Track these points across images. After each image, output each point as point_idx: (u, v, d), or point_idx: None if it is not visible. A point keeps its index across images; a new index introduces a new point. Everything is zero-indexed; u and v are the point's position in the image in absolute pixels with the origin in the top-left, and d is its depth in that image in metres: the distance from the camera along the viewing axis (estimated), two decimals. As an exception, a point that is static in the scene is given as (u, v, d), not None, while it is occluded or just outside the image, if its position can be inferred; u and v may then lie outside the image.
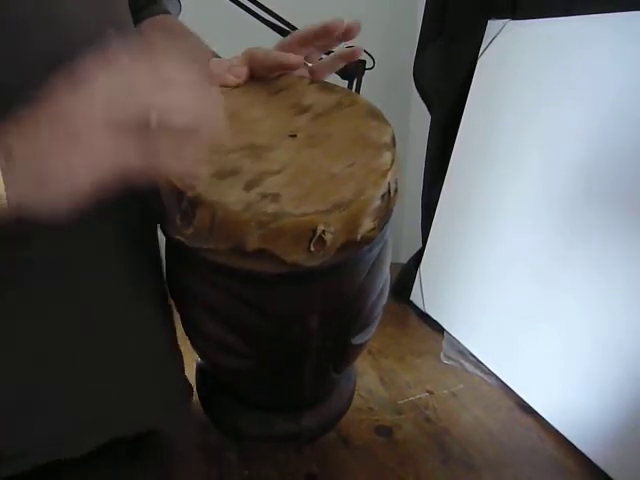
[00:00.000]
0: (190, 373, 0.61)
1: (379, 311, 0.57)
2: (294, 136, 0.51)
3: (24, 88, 0.38)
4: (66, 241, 0.49)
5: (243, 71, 0.57)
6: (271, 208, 0.44)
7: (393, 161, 0.49)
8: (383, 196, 0.48)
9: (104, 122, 0.38)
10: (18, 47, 0.44)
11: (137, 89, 0.39)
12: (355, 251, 0.47)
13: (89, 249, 0.51)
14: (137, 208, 0.56)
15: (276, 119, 0.54)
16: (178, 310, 0.56)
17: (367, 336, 0.56)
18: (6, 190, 0.37)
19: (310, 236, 0.44)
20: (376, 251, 0.50)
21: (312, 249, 0.44)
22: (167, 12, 0.68)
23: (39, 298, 0.48)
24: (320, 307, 0.50)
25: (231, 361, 0.54)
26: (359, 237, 0.47)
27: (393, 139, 0.51)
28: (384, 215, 0.49)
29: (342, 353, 0.55)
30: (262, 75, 0.57)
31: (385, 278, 0.55)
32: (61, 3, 0.47)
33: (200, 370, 0.64)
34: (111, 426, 0.54)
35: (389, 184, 0.48)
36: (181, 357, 0.64)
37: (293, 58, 0.56)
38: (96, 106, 0.38)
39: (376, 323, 0.57)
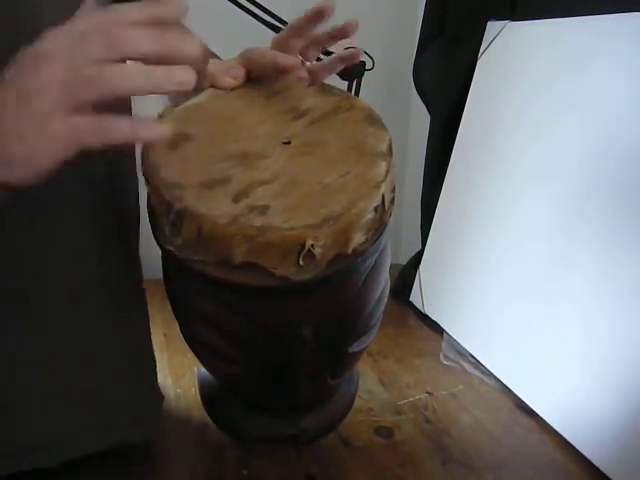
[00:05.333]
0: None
1: (377, 319, 0.56)
2: (288, 143, 0.50)
3: None
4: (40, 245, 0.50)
5: (240, 73, 0.56)
6: (258, 222, 0.43)
7: (388, 171, 0.48)
8: (376, 208, 0.47)
9: (63, 104, 0.38)
10: None
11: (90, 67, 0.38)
12: (347, 264, 0.46)
13: (63, 253, 0.52)
14: (113, 212, 0.56)
15: (271, 125, 0.52)
16: (175, 316, 0.56)
17: (364, 344, 0.56)
18: None
19: (299, 250, 0.43)
20: (370, 262, 0.49)
21: (301, 263, 0.44)
22: None
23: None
24: (313, 318, 0.49)
25: (226, 367, 0.54)
26: (350, 250, 0.46)
27: (390, 147, 0.50)
28: (377, 228, 0.48)
29: (338, 361, 0.55)
30: (260, 76, 0.57)
31: (383, 286, 0.54)
32: None
33: (201, 370, 0.64)
34: (79, 442, 0.54)
35: (383, 195, 0.47)
36: (155, 367, 0.64)
37: (290, 60, 0.55)
38: (55, 88, 0.38)
39: (375, 330, 0.57)
